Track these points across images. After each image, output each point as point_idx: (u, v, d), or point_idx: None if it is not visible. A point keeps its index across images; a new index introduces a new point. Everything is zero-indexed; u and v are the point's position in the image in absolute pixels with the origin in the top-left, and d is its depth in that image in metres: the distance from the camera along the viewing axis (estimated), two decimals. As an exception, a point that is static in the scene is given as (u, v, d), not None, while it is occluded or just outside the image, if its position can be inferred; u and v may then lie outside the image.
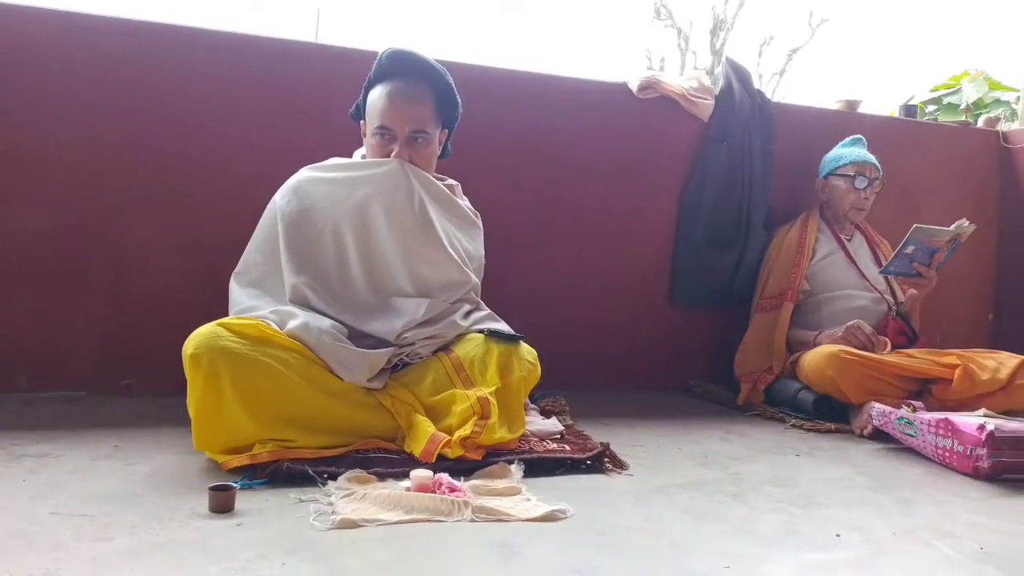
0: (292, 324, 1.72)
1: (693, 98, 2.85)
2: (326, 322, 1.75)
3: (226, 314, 1.82)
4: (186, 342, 1.60)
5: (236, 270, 1.92)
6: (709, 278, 2.86)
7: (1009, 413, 2.27)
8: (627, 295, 2.83)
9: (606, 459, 1.77)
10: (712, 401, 2.70)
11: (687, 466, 1.84)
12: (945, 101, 6.14)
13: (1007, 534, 1.44)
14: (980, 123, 3.56)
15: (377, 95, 1.92)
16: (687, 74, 3.10)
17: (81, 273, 2.24)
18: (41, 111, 2.19)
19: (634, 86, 2.81)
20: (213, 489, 1.35)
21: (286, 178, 1.97)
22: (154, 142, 2.28)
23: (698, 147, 2.88)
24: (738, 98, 2.88)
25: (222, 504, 1.34)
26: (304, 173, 1.95)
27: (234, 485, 1.38)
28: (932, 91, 6.37)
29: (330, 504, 1.39)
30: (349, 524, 1.30)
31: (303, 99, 2.42)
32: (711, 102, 2.87)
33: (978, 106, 5.62)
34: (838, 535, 1.40)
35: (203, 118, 2.33)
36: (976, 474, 1.82)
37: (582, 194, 2.76)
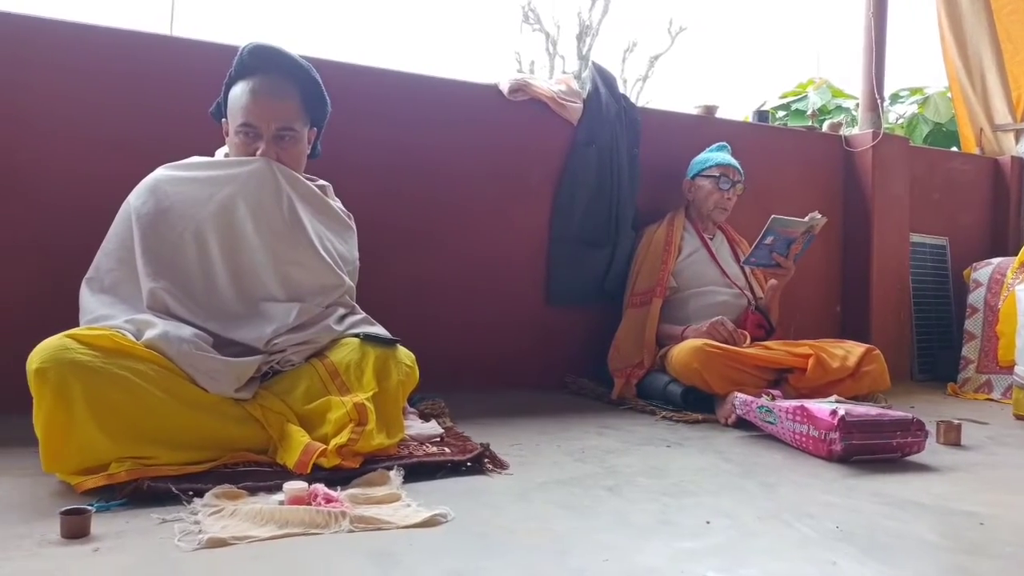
0: (150, 334, 1.61)
1: (562, 101, 2.90)
2: (187, 330, 1.66)
3: (76, 324, 1.68)
4: (31, 356, 1.47)
5: (87, 275, 1.78)
6: (583, 278, 2.93)
7: (857, 398, 2.45)
8: (503, 296, 2.85)
9: (486, 460, 1.77)
10: (587, 397, 2.76)
11: (565, 462, 1.86)
12: (793, 107, 6.56)
13: (859, 512, 1.55)
14: (825, 128, 3.83)
15: (240, 91, 1.84)
16: (556, 78, 3.15)
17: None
18: None
19: (505, 88, 2.83)
20: (65, 513, 1.24)
21: (141, 178, 1.85)
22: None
23: (568, 150, 2.93)
24: (604, 102, 2.96)
25: (76, 529, 1.24)
26: (161, 172, 1.84)
27: (89, 508, 1.28)
28: (781, 97, 6.80)
29: (196, 523, 1.31)
30: (218, 543, 1.23)
31: (160, 95, 2.29)
32: (580, 106, 2.94)
33: (823, 112, 6.04)
34: (708, 522, 1.45)
35: (46, 113, 2.16)
36: (830, 457, 1.95)
37: (457, 196, 2.75)
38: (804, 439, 2.02)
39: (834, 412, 1.95)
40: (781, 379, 2.54)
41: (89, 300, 1.75)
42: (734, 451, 2.05)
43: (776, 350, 2.59)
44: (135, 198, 1.80)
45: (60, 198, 2.18)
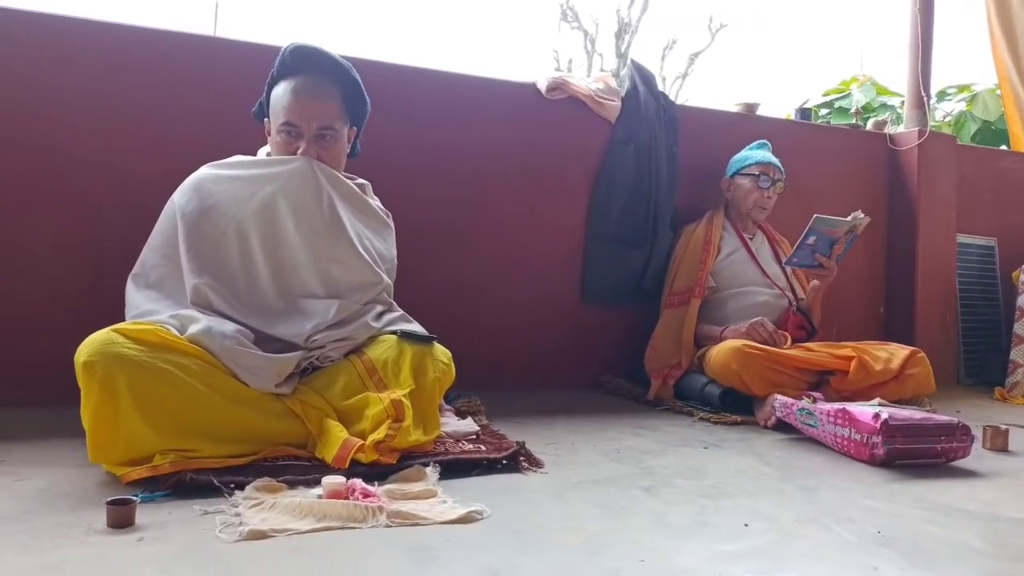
0: (194, 329, 1.64)
1: (600, 99, 2.89)
2: (230, 326, 1.69)
3: (121, 319, 1.72)
4: (78, 349, 1.51)
5: (133, 271, 1.83)
6: (619, 277, 2.91)
7: (900, 401, 2.39)
8: (539, 294, 2.85)
9: (522, 458, 1.77)
10: (624, 396, 2.75)
11: (601, 462, 1.86)
12: (837, 105, 6.45)
13: (901, 517, 1.52)
14: (869, 126, 3.75)
15: (281, 91, 1.87)
16: (594, 76, 3.14)
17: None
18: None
19: (543, 87, 2.83)
20: (111, 503, 1.28)
21: (185, 176, 1.88)
22: (32, 139, 2.16)
23: (606, 148, 2.92)
24: (643, 100, 2.94)
25: (121, 519, 1.27)
26: (205, 171, 1.88)
27: (134, 498, 1.31)
28: (824, 95, 6.69)
29: (237, 515, 1.33)
30: (258, 535, 1.25)
31: (203, 95, 2.33)
32: (618, 104, 2.92)
33: (867, 110, 5.93)
34: (746, 524, 1.44)
35: (91, 114, 2.22)
36: (872, 460, 1.91)
37: (493, 193, 2.76)
38: (845, 442, 1.99)
39: (876, 415, 1.91)
40: (822, 381, 2.50)
41: (135, 295, 1.79)
42: (773, 454, 2.03)
43: (817, 352, 2.55)
44: (180, 196, 1.84)
45: (101, 197, 2.23)
